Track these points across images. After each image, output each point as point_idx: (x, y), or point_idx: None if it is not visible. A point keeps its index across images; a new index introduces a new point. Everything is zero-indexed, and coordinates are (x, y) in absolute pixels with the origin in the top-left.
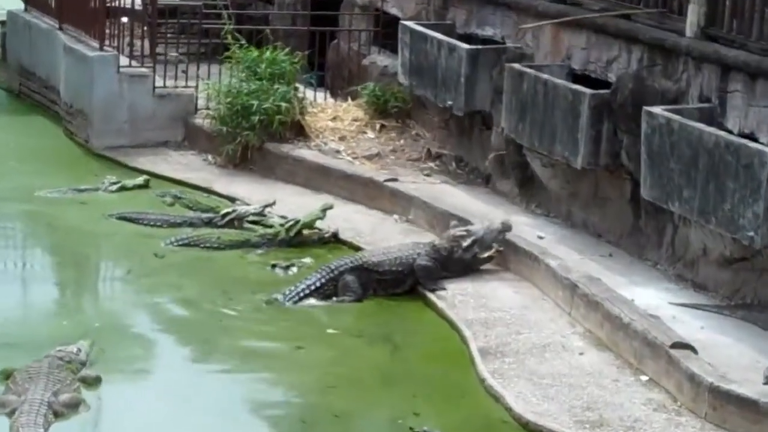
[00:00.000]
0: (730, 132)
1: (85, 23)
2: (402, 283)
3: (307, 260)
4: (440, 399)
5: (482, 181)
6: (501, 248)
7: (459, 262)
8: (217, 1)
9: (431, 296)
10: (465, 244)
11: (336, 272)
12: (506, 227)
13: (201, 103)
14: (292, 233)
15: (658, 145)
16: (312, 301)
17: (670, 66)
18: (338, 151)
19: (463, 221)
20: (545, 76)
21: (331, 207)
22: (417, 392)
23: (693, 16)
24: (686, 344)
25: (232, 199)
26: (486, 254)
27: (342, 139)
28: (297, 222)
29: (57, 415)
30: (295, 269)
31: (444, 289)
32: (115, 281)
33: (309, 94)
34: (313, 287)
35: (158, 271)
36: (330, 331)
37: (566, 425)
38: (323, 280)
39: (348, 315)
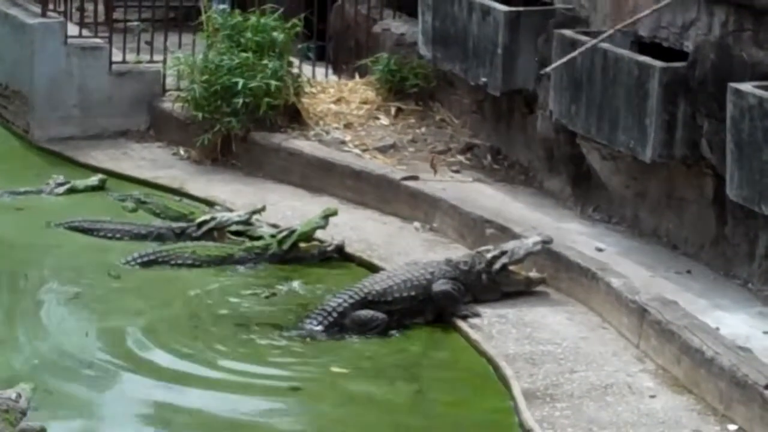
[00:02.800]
0: None
1: None
2: (420, 313)
3: (295, 284)
4: None
5: (525, 179)
6: (545, 276)
7: (483, 277)
8: None
9: (463, 325)
10: (489, 255)
11: (335, 314)
12: (549, 238)
13: (170, 82)
14: (285, 246)
15: (748, 131)
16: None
17: (762, 31)
18: (343, 142)
19: (502, 230)
20: (604, 45)
21: (334, 213)
22: None
23: None
24: None
25: (211, 204)
26: (521, 273)
27: (348, 126)
28: (292, 232)
29: None
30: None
31: (478, 315)
32: (60, 308)
33: (306, 70)
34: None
35: (114, 295)
36: (335, 369)
37: None
38: (322, 327)
39: (360, 349)
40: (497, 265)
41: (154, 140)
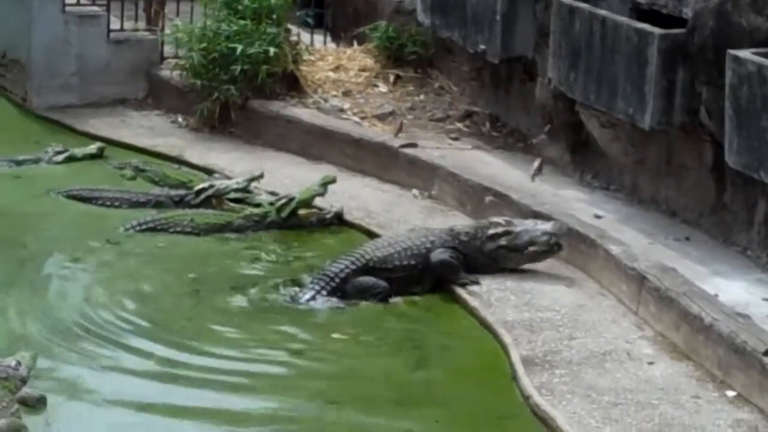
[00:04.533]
0: None
1: None
2: (419, 281)
3: (294, 251)
4: (471, 423)
5: (524, 146)
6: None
7: (478, 252)
8: None
9: (461, 292)
10: (492, 231)
11: (337, 280)
12: (560, 230)
13: (168, 50)
14: (284, 214)
15: (746, 98)
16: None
17: None
18: (342, 110)
19: (501, 197)
20: (603, 12)
21: (333, 180)
22: (441, 415)
23: None
24: None
25: (209, 172)
26: (520, 254)
27: (347, 94)
28: (291, 200)
29: None
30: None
31: (477, 282)
32: (59, 275)
33: (305, 37)
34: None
35: (113, 263)
36: (336, 336)
37: None
38: (323, 293)
39: (360, 315)
40: (493, 245)
41: (152, 108)
